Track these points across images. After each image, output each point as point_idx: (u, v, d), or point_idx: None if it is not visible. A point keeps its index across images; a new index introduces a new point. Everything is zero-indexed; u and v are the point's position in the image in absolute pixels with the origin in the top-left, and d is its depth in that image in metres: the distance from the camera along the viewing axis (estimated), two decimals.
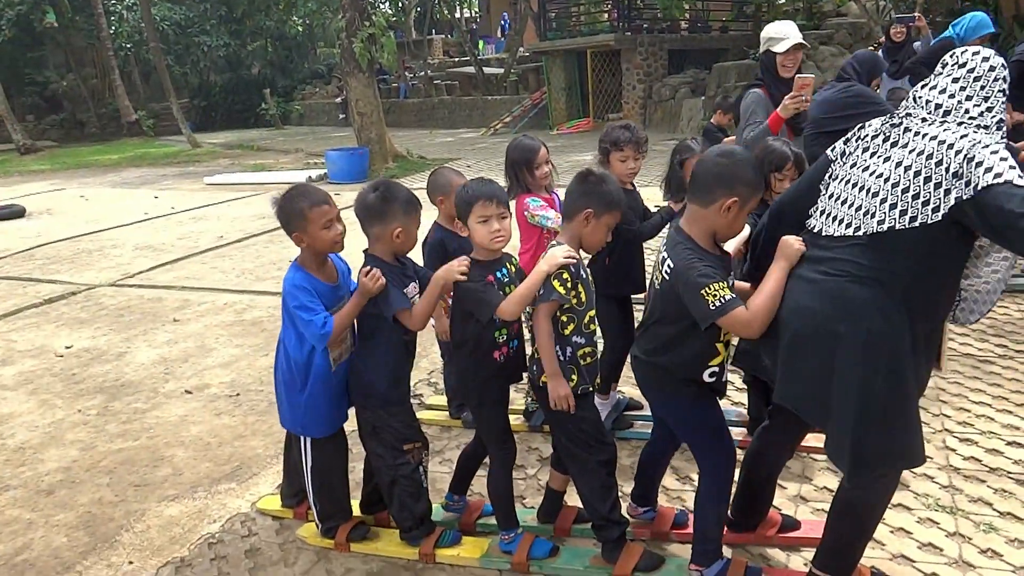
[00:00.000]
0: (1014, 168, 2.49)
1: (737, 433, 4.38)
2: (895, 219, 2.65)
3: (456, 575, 3.49)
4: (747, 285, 3.14)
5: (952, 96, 2.71)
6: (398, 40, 27.14)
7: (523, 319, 3.46)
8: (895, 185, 2.67)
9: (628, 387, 4.75)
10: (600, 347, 3.65)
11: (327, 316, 3.34)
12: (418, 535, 3.58)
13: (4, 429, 5.28)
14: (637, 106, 22.56)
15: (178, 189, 17.10)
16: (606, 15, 24.59)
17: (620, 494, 3.43)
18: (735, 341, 3.15)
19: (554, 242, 3.25)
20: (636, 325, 3.60)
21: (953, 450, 4.22)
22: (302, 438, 3.64)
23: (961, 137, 2.59)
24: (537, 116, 25.62)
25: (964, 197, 2.52)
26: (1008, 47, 11.03)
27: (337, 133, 27.92)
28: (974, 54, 2.73)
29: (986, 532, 3.53)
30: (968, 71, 2.71)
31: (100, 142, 31.75)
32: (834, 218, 2.83)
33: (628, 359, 3.37)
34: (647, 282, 3.68)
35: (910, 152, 2.68)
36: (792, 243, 2.90)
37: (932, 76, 2.81)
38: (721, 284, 2.82)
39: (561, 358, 3.19)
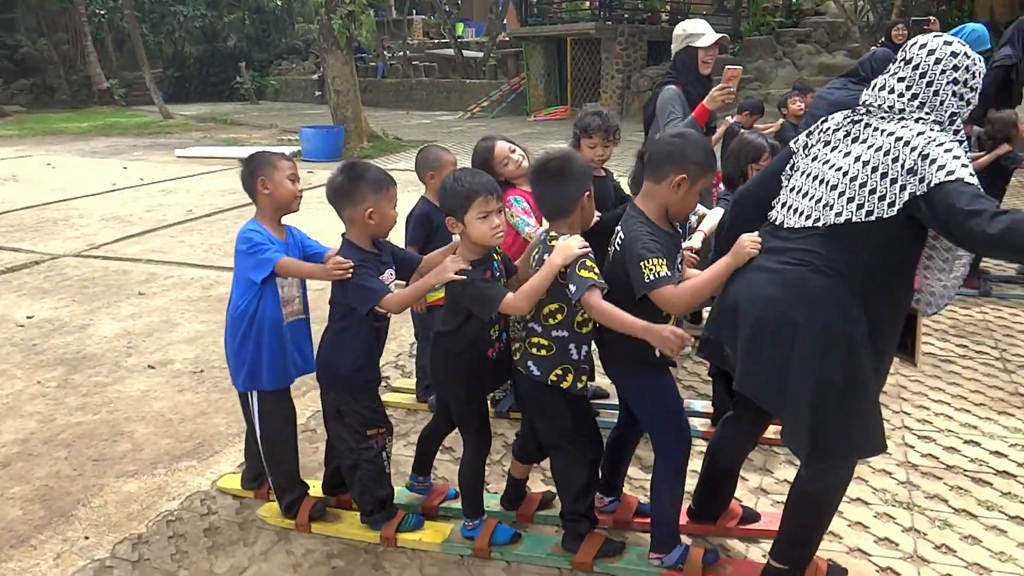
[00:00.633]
0: (967, 166, 2.55)
1: (702, 424, 4.44)
2: (852, 212, 2.71)
3: (417, 559, 3.48)
4: (696, 272, 3.19)
5: (901, 96, 2.75)
6: (378, 19, 26.96)
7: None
8: (853, 179, 2.73)
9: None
10: None
11: (279, 253, 3.43)
12: (379, 519, 3.57)
13: None
14: (615, 95, 22.54)
15: (148, 160, 16.91)
16: (587, 3, 24.53)
17: None
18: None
19: (551, 233, 3.14)
20: None
21: (911, 447, 4.28)
22: (251, 397, 3.62)
23: (918, 134, 2.64)
24: (515, 102, 25.53)
25: (917, 193, 2.59)
26: (986, 54, 11.12)
27: (312, 110, 27.69)
28: (920, 47, 2.75)
29: (941, 528, 3.59)
30: (913, 68, 2.75)
31: (70, 109, 31.28)
32: (795, 210, 2.88)
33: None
34: None
35: (868, 148, 2.74)
36: (746, 244, 2.93)
37: (882, 76, 2.85)
38: (660, 260, 2.87)
39: (576, 356, 3.17)
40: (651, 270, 2.86)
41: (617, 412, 3.98)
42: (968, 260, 2.89)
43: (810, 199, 2.83)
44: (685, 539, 3.40)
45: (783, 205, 2.95)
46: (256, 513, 3.82)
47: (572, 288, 2.97)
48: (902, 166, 2.63)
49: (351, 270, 3.25)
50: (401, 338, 5.84)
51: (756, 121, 8.29)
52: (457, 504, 3.67)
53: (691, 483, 3.65)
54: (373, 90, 29.70)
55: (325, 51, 17.16)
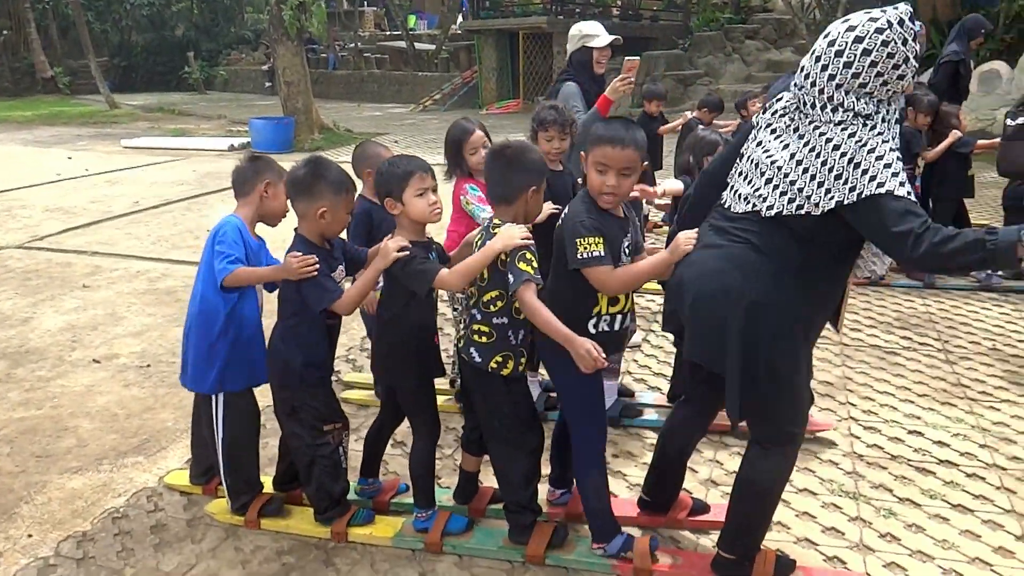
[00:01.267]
0: (897, 175, 2.59)
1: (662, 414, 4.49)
2: (784, 206, 2.77)
3: (368, 555, 3.46)
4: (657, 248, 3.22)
5: (822, 91, 2.74)
6: (329, 10, 26.80)
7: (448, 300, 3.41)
8: (786, 176, 2.77)
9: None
10: None
11: (238, 260, 3.35)
12: (332, 515, 3.54)
13: None
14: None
15: (93, 150, 16.61)
16: None
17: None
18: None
19: (495, 221, 3.16)
20: None
21: (857, 437, 4.35)
22: (214, 401, 3.54)
23: (849, 137, 2.67)
24: (467, 95, 25.45)
25: (845, 202, 2.63)
26: (927, 53, 11.36)
27: (262, 101, 27.39)
28: (843, 22, 2.74)
29: (886, 517, 3.65)
30: (836, 51, 2.71)
31: (13, 97, 30.60)
32: (739, 195, 2.93)
33: None
34: None
35: (804, 146, 2.77)
36: (682, 241, 2.97)
37: (806, 59, 2.84)
38: (596, 239, 2.92)
39: (513, 342, 3.18)
40: (586, 247, 2.92)
41: None
42: None
43: (751, 186, 2.88)
44: (635, 532, 3.42)
45: (731, 188, 3.00)
46: (204, 510, 3.77)
47: (510, 278, 3.01)
48: (830, 170, 2.66)
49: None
50: (352, 332, 5.80)
51: (715, 118, 8.36)
52: (408, 499, 3.66)
53: (642, 475, 3.69)
54: (324, 82, 29.44)
55: (275, 42, 16.96)
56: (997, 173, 7.18)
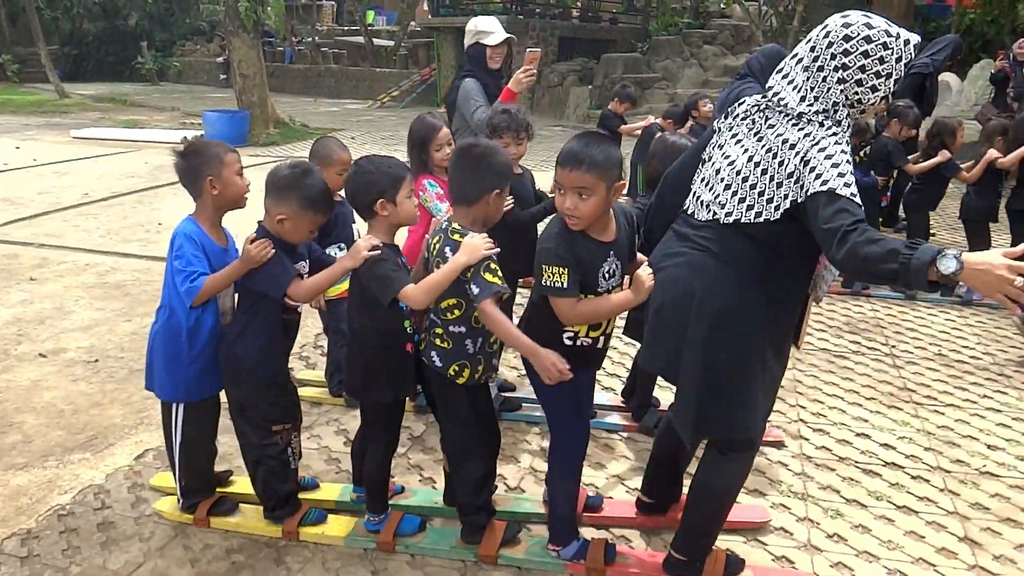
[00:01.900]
0: (843, 175, 2.58)
1: (623, 417, 4.56)
2: (742, 212, 2.78)
3: (320, 553, 3.44)
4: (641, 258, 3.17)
5: (791, 82, 2.78)
6: (287, 3, 26.57)
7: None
8: (745, 180, 2.79)
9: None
10: None
11: (203, 273, 3.23)
12: (282, 514, 3.52)
13: None
14: (525, 90, 22.55)
15: (42, 140, 16.32)
16: None
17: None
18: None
19: (454, 226, 3.07)
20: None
21: (806, 439, 4.42)
22: (174, 409, 3.47)
23: (804, 136, 2.68)
24: (425, 92, 25.38)
25: (798, 200, 2.65)
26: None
27: (217, 94, 27.11)
28: (822, 28, 2.75)
29: (833, 518, 3.71)
30: (810, 50, 2.76)
31: None
32: (701, 202, 2.93)
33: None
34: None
35: (762, 147, 2.78)
36: (645, 282, 2.90)
37: (784, 59, 2.88)
38: (562, 269, 2.82)
39: (471, 350, 3.13)
40: (549, 276, 2.84)
41: (535, 405, 4.06)
42: None
43: (712, 193, 2.89)
44: (633, 535, 3.48)
45: (694, 195, 2.99)
46: (153, 507, 3.73)
47: (475, 289, 2.94)
48: (784, 169, 2.68)
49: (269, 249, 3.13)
50: (306, 329, 5.75)
51: (677, 130, 8.41)
52: (405, 500, 3.71)
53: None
54: (280, 76, 29.19)
55: (231, 34, 16.78)
56: None
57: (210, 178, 3.27)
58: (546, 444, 4.21)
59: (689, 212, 2.99)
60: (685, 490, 3.42)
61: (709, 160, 2.99)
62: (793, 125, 2.73)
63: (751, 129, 2.87)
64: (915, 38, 2.70)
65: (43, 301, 6.60)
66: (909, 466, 4.15)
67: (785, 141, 2.71)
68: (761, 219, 2.74)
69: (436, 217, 4.10)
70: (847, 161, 2.64)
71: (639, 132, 8.46)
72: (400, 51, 28.53)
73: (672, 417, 3.06)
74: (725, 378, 2.81)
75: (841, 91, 2.70)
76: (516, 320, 3.23)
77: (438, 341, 3.16)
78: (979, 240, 6.86)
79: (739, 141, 2.89)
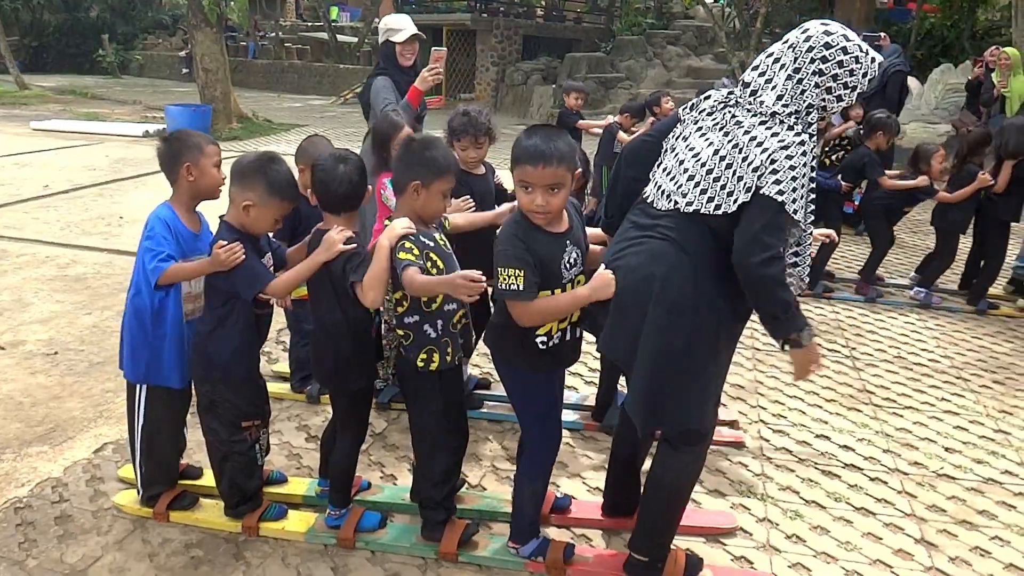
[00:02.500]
0: (795, 191, 2.67)
1: (583, 416, 4.58)
2: (702, 204, 2.82)
3: (280, 549, 3.43)
4: (599, 249, 3.20)
5: (771, 84, 2.82)
6: None
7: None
8: (709, 172, 2.83)
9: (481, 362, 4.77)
10: None
11: (170, 257, 3.24)
12: (244, 510, 3.50)
13: None
14: (489, 88, 22.62)
15: (1, 132, 16.01)
16: None
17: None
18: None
19: (390, 217, 3.16)
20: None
21: (766, 440, 4.46)
22: (137, 390, 3.46)
23: (772, 136, 2.73)
24: None
25: (759, 191, 2.72)
26: None
27: (179, 88, 26.83)
28: (802, 31, 2.81)
29: (792, 519, 3.75)
30: (790, 50, 2.81)
31: None
32: (662, 191, 2.96)
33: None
34: None
35: (728, 142, 2.83)
36: (605, 281, 2.90)
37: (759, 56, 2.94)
38: (517, 271, 2.81)
39: (434, 335, 3.15)
40: (505, 279, 2.83)
41: (503, 404, 4.20)
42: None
43: (674, 183, 2.92)
44: (593, 536, 3.49)
45: (654, 184, 3.02)
46: (111, 501, 3.69)
47: (398, 271, 2.99)
48: (749, 165, 2.73)
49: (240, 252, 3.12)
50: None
51: (635, 124, 8.44)
52: (372, 496, 3.71)
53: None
54: (244, 70, 28.94)
55: (194, 28, 16.61)
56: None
57: (187, 164, 3.30)
58: (508, 443, 4.25)
59: (649, 201, 3.01)
60: None
61: (671, 151, 3.02)
62: (762, 124, 2.78)
63: (716, 124, 2.91)
64: (880, 58, 2.79)
65: (2, 293, 6.50)
66: (868, 468, 4.21)
67: (753, 139, 2.75)
68: (720, 211, 2.78)
69: None
70: (806, 175, 2.70)
71: (598, 131, 8.48)
72: (364, 47, 28.36)
73: (625, 405, 3.09)
74: (677, 367, 2.84)
75: (817, 95, 2.75)
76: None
77: (402, 337, 3.18)
78: (947, 249, 6.93)
79: (704, 135, 2.93)
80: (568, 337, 3.09)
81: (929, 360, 5.71)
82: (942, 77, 14.60)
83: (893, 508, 3.86)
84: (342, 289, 3.13)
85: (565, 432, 4.37)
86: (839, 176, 7.19)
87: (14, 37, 31.93)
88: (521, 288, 2.82)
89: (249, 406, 3.40)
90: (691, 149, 2.93)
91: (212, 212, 3.50)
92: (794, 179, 2.67)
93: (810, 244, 3.01)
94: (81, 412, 4.55)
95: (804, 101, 2.76)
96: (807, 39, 2.76)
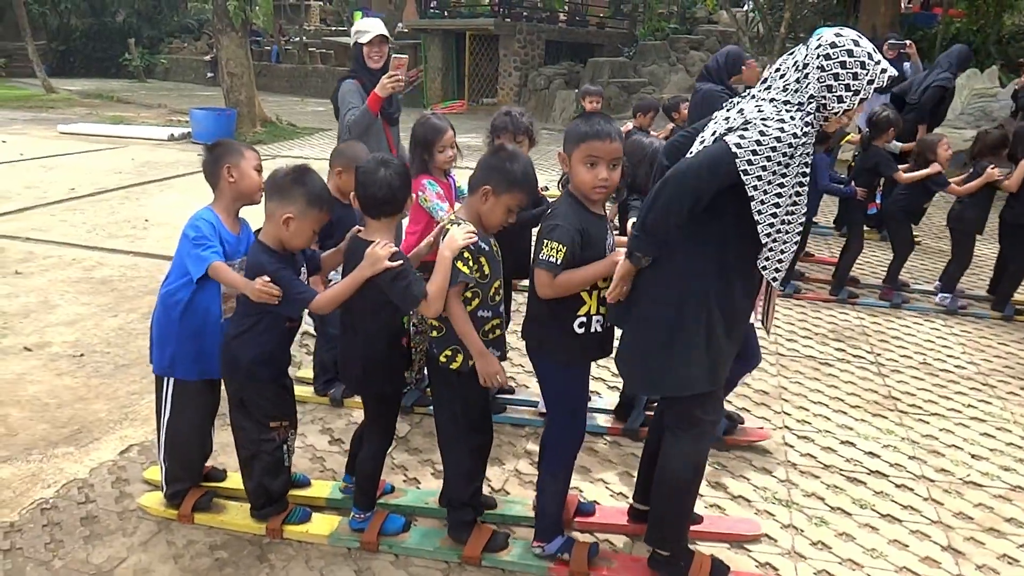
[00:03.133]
0: (742, 139, 2.72)
1: (604, 420, 4.56)
2: None
3: (304, 552, 3.44)
4: (623, 240, 3.24)
5: (783, 77, 2.88)
6: (275, 2, 26.46)
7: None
8: (702, 143, 2.95)
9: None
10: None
11: (218, 254, 3.28)
12: (269, 512, 3.51)
13: None
14: (512, 93, 22.62)
15: (29, 135, 16.20)
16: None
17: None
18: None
19: (451, 217, 3.19)
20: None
21: (791, 446, 4.43)
22: (164, 383, 3.49)
23: (758, 110, 2.82)
24: (412, 94, 25.32)
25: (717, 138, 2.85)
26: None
27: (204, 92, 27.02)
28: (817, 35, 2.85)
29: (817, 525, 3.72)
30: (803, 46, 2.87)
31: None
32: None
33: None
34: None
35: (722, 118, 2.94)
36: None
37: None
38: (561, 246, 2.93)
39: None
40: (550, 251, 2.94)
41: (523, 407, 4.25)
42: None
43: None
44: (613, 541, 3.47)
45: None
46: (136, 502, 3.71)
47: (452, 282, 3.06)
48: (728, 123, 2.84)
49: (276, 281, 3.12)
50: None
51: (652, 119, 8.41)
52: (395, 499, 3.71)
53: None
54: (268, 75, 29.11)
55: (219, 32, 16.71)
56: None
57: (228, 166, 3.38)
58: (531, 448, 4.25)
59: None
60: None
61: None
62: (755, 106, 2.85)
63: (733, 106, 2.99)
64: (892, 71, 2.80)
65: (28, 295, 6.56)
66: (893, 475, 4.17)
67: (740, 111, 2.85)
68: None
69: (439, 215, 4.12)
70: (778, 153, 2.71)
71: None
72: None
73: (623, 373, 3.23)
74: (666, 336, 2.92)
75: (817, 89, 2.76)
76: (523, 318, 3.29)
77: (433, 331, 3.23)
78: (962, 251, 6.89)
79: (714, 121, 3.02)
80: (600, 329, 3.15)
81: (955, 366, 5.66)
82: (968, 82, 14.42)
83: (919, 515, 3.83)
84: (383, 300, 3.14)
85: (589, 437, 4.38)
86: (852, 182, 7.13)
87: (41, 41, 32.26)
88: (558, 263, 2.94)
89: (275, 407, 3.41)
90: (702, 142, 2.99)
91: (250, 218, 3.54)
92: (759, 143, 2.70)
93: (788, 242, 2.95)
94: (107, 414, 4.58)
95: (805, 93, 2.78)
96: (818, 39, 2.80)
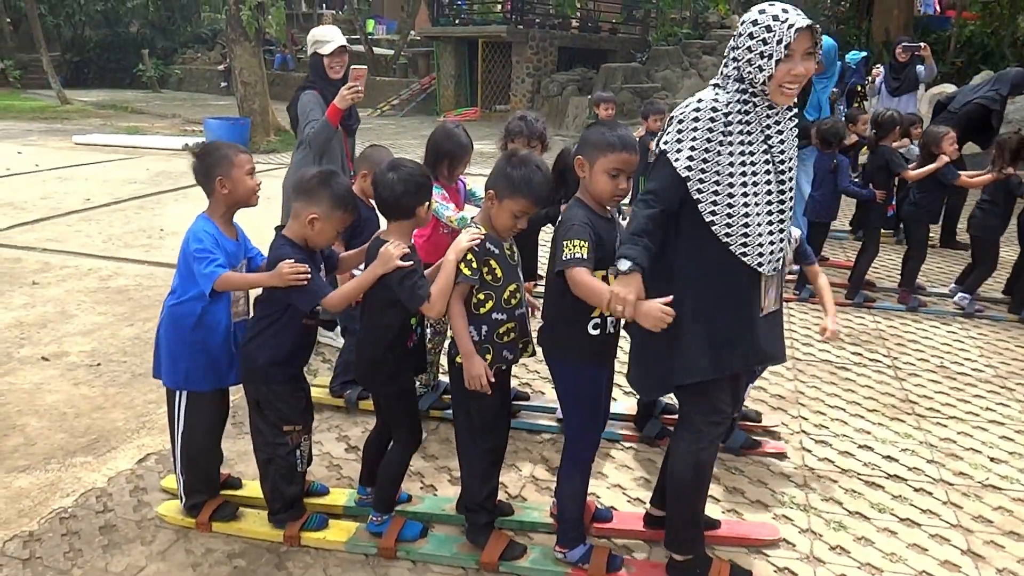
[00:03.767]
0: (666, 134, 2.95)
1: (621, 428, 4.53)
2: None
3: (321, 559, 3.44)
4: None
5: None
6: (287, 11, 26.40)
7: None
8: None
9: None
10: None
11: (223, 266, 3.29)
12: (285, 518, 3.52)
13: None
14: (525, 99, 22.63)
15: (44, 146, 16.31)
16: (499, 6, 24.57)
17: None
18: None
19: (465, 216, 3.31)
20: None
21: (809, 451, 4.41)
22: (177, 397, 3.49)
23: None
24: (425, 101, 25.43)
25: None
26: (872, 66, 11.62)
27: (218, 101, 27.15)
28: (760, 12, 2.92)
29: (836, 530, 3.71)
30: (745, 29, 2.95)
31: None
32: None
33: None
34: (538, 272, 3.73)
35: None
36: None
37: None
38: (583, 243, 2.95)
39: (476, 338, 3.19)
40: (572, 249, 2.95)
41: (538, 413, 4.25)
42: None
43: None
44: (635, 547, 3.49)
45: None
46: (155, 511, 3.72)
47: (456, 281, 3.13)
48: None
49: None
50: None
51: (662, 123, 8.38)
52: (412, 507, 3.71)
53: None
54: (281, 83, 29.18)
55: (232, 42, 16.77)
56: None
57: (220, 178, 3.36)
58: (547, 454, 4.25)
59: None
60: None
61: None
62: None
63: None
64: (802, 22, 2.81)
65: (45, 305, 6.60)
66: (912, 478, 4.15)
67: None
68: None
69: (444, 215, 4.14)
70: (698, 125, 2.88)
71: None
72: (400, 60, 28.55)
73: (632, 379, 3.30)
74: (666, 335, 2.92)
75: (734, 61, 2.93)
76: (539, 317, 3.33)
77: (450, 333, 3.27)
78: (986, 257, 6.84)
79: None
80: (614, 330, 3.19)
81: (972, 369, 5.63)
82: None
83: (939, 519, 3.80)
84: (392, 299, 3.20)
85: (605, 443, 4.37)
86: (870, 184, 7.07)
87: (56, 53, 32.48)
88: (585, 256, 2.95)
89: (290, 410, 3.42)
90: None
91: (248, 223, 3.54)
92: (680, 132, 2.90)
93: (761, 224, 2.98)
94: (124, 423, 4.60)
95: (729, 66, 2.96)
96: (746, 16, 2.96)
